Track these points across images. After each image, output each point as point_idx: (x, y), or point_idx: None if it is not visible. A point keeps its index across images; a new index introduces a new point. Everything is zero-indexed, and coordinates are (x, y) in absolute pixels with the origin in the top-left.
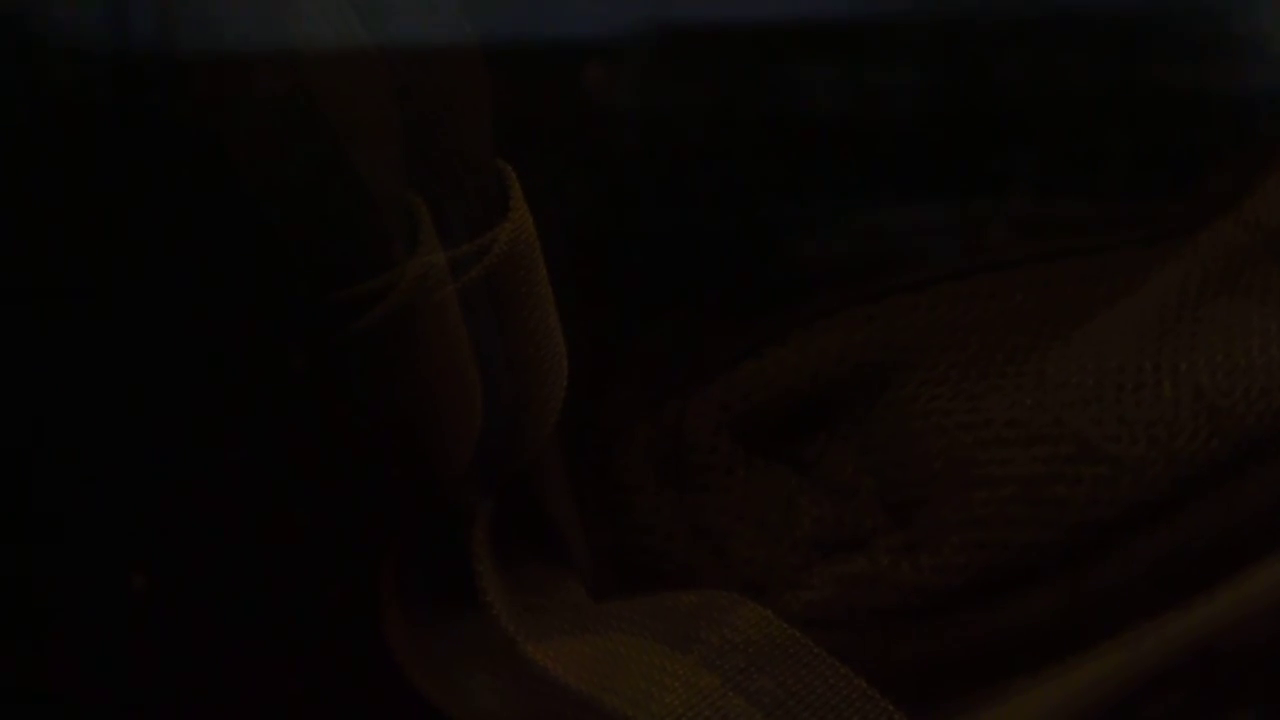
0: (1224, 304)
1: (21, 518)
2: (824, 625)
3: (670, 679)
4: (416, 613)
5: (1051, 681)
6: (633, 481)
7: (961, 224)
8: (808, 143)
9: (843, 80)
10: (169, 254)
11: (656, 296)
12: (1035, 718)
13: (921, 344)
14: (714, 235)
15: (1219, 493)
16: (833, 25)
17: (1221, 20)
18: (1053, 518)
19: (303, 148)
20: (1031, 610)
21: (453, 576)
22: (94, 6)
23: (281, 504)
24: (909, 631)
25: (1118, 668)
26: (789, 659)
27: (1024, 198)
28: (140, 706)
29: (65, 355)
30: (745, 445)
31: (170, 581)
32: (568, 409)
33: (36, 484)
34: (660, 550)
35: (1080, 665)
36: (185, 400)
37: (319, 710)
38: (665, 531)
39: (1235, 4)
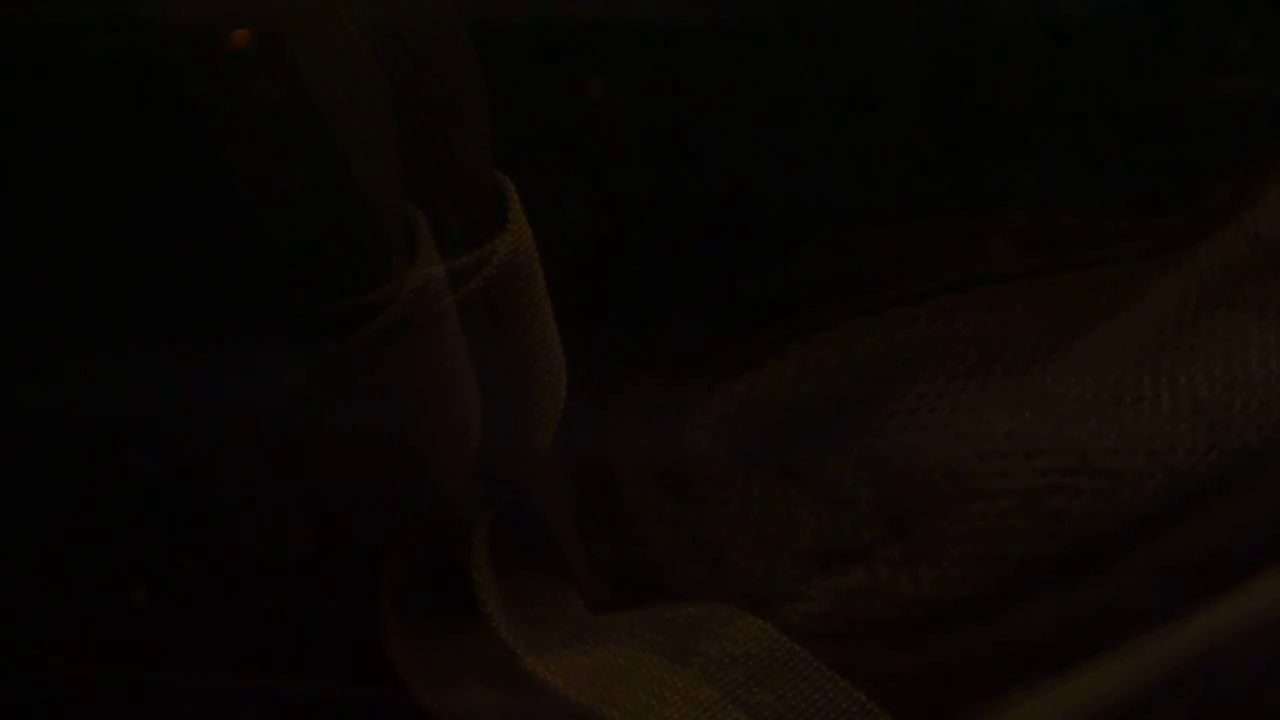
0: (1223, 317)
1: (24, 524)
2: (823, 637)
3: (670, 692)
4: (417, 625)
5: (1050, 694)
6: (632, 493)
7: None
8: None
9: None
10: (171, 265)
11: None
12: None
13: (920, 356)
14: None
15: (1218, 505)
16: None
17: None
18: (1051, 530)
19: (302, 159)
20: (1030, 622)
21: (453, 588)
22: None
23: (282, 516)
24: (908, 643)
25: (1117, 681)
26: (788, 672)
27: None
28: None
29: (64, 361)
30: (744, 457)
31: (171, 592)
32: (567, 420)
33: (39, 491)
34: (659, 562)
35: (1079, 678)
36: (186, 410)
37: None
38: (664, 543)
39: None
